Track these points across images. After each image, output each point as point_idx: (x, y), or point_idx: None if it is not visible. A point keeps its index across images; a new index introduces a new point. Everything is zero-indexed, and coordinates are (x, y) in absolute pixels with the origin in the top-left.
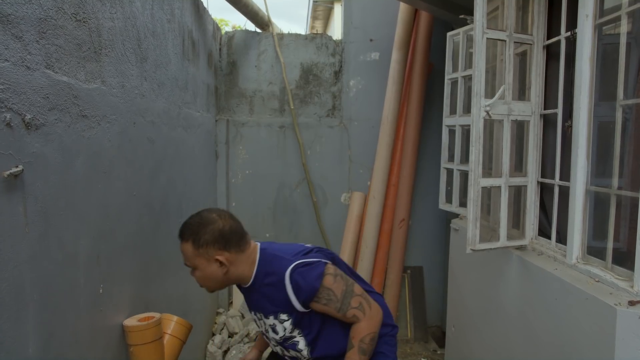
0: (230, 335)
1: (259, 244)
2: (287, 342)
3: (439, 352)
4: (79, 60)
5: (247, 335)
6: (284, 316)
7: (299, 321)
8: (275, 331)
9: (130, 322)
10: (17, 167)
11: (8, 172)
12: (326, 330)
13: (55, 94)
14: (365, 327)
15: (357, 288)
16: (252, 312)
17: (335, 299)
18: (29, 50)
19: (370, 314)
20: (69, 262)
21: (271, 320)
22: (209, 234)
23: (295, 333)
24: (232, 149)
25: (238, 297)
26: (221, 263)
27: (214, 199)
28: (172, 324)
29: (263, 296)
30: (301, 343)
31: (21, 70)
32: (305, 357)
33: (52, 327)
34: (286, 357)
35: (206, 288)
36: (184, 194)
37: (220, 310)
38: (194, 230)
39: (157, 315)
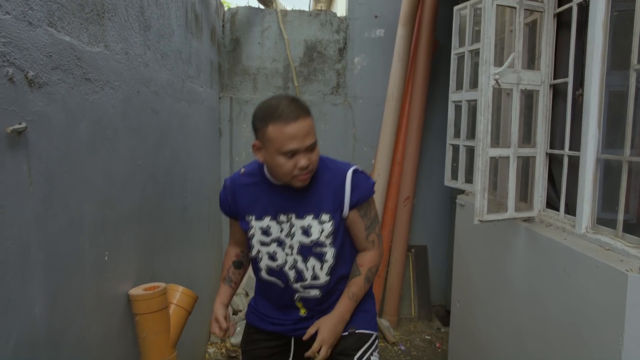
0: (235, 313)
1: None
2: (314, 249)
3: (442, 330)
4: (81, 22)
5: None
6: (325, 217)
7: (337, 227)
8: (307, 233)
9: (136, 291)
10: (20, 124)
11: (11, 128)
12: (343, 252)
13: (58, 53)
14: (375, 257)
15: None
16: (268, 217)
17: (369, 216)
18: (30, 5)
19: (380, 247)
20: (74, 226)
21: (308, 220)
22: None
23: (329, 240)
24: (235, 127)
25: None
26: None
27: (218, 175)
28: (177, 294)
29: (307, 193)
30: (329, 253)
31: (23, 25)
32: (321, 277)
33: (57, 290)
34: (288, 278)
35: (312, 171)
36: (188, 169)
37: None
38: (303, 105)
39: (162, 285)
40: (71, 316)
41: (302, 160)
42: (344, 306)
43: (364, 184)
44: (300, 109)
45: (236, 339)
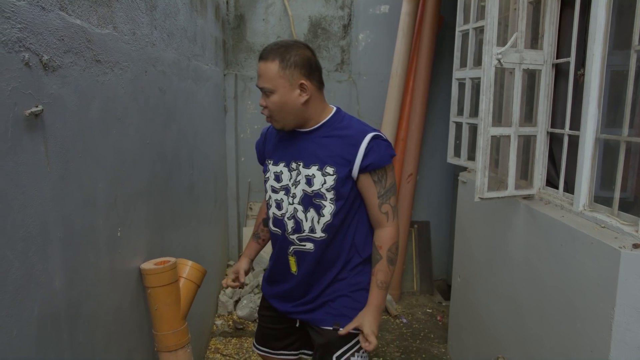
0: (241, 287)
1: (335, 106)
2: (314, 200)
3: (444, 304)
4: (91, 4)
5: (257, 286)
6: (329, 169)
7: (341, 184)
8: (310, 183)
9: (147, 265)
10: (37, 106)
11: (29, 111)
12: (348, 218)
13: (70, 36)
14: (392, 234)
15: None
16: (283, 163)
17: (384, 183)
18: None
19: (396, 221)
20: (88, 204)
21: (312, 170)
22: (298, 56)
23: (329, 195)
24: (240, 104)
25: None
26: (303, 89)
27: (224, 153)
28: (187, 268)
29: (319, 145)
30: (327, 208)
31: (37, 10)
32: (317, 231)
33: (75, 265)
34: (286, 228)
35: (275, 120)
36: (194, 146)
37: (231, 262)
38: (281, 52)
39: (172, 259)
40: (88, 289)
41: (261, 99)
42: (375, 297)
43: (380, 151)
44: (270, 52)
45: (242, 311)
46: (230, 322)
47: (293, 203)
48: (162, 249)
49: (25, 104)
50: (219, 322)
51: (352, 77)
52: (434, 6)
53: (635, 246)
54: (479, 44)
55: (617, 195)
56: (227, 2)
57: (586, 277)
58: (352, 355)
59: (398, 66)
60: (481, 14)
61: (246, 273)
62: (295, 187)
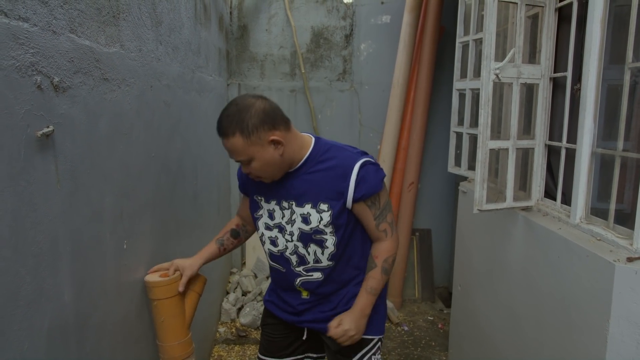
0: (244, 294)
1: (312, 135)
2: (314, 237)
3: (445, 311)
4: (99, 25)
5: (260, 293)
6: (324, 206)
7: (337, 217)
8: (306, 221)
9: (153, 277)
10: (48, 127)
11: (41, 132)
12: (351, 242)
13: (79, 57)
14: (390, 247)
15: (392, 208)
16: (274, 201)
17: (378, 205)
18: (54, 15)
19: (394, 236)
20: (95, 218)
21: (306, 209)
22: (255, 117)
23: (329, 229)
24: None
25: (250, 258)
26: (276, 143)
27: (227, 161)
28: None
29: (307, 182)
30: (330, 241)
31: (48, 35)
32: (323, 261)
33: (83, 278)
34: (290, 262)
35: (265, 178)
36: (198, 157)
37: (234, 270)
38: (236, 120)
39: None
40: (95, 301)
41: (244, 167)
42: (363, 301)
43: (371, 179)
44: (227, 127)
45: (245, 319)
46: (233, 330)
47: (292, 240)
48: (166, 260)
49: (37, 125)
50: (222, 329)
51: (354, 87)
52: (435, 17)
53: (630, 259)
54: (479, 55)
55: (612, 208)
56: (230, 13)
57: (582, 289)
58: (370, 358)
59: (399, 76)
60: (481, 25)
61: (179, 270)
62: (292, 226)
